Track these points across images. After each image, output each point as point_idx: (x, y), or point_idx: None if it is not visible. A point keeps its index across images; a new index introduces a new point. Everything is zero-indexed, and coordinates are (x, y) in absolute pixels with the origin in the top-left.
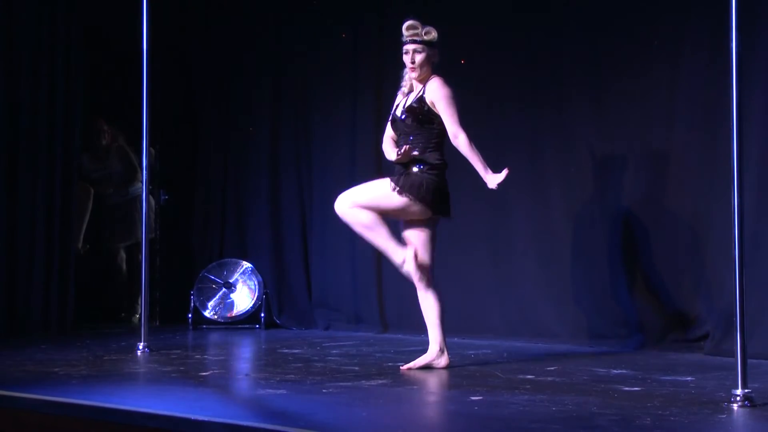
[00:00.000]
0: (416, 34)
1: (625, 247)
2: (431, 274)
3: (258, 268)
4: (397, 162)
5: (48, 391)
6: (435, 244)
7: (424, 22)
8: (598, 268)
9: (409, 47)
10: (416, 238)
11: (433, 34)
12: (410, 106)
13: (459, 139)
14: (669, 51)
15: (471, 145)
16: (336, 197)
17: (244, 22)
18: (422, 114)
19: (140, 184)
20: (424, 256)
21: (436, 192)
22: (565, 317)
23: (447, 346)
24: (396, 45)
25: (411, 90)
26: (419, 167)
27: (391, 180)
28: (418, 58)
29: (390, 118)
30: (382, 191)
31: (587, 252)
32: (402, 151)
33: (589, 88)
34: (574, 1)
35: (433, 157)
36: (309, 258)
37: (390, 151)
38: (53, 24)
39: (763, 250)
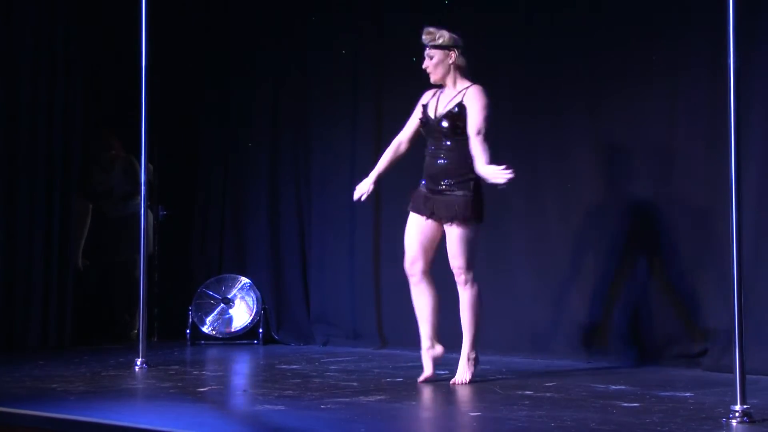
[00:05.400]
0: (430, 39)
1: (623, 262)
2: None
3: (256, 284)
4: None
5: (46, 407)
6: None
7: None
8: (596, 282)
9: (425, 53)
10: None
11: (446, 38)
12: (449, 111)
13: (475, 140)
14: (668, 64)
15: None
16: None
17: (243, 37)
18: (460, 120)
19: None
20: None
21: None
22: (563, 333)
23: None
24: (396, 57)
25: (439, 91)
26: (471, 185)
27: (468, 223)
28: (431, 61)
29: (420, 120)
30: (475, 237)
31: (585, 267)
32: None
33: (588, 102)
34: (573, 13)
35: (474, 172)
36: (307, 273)
37: (386, 159)
38: (52, 35)
39: (762, 266)
